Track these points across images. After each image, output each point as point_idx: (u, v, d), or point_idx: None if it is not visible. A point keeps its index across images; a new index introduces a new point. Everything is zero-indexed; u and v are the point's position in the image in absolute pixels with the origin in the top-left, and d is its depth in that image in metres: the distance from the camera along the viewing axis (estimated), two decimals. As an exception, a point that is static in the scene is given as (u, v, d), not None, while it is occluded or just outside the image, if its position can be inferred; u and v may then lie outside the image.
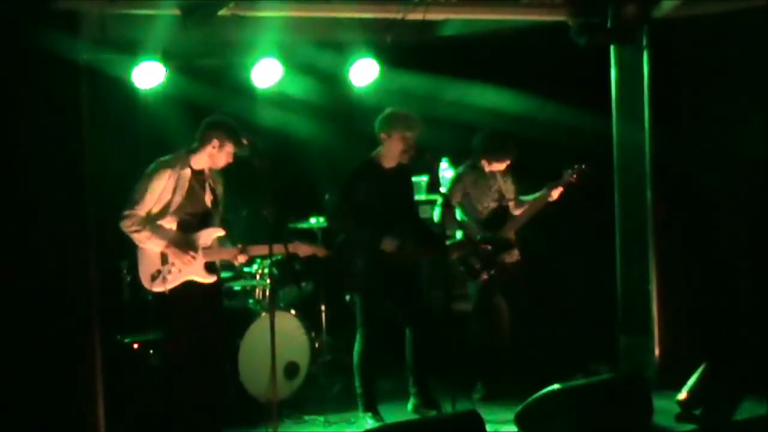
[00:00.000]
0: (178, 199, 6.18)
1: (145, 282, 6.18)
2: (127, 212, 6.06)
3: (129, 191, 6.14)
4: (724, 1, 7.24)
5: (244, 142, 6.27)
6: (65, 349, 6.04)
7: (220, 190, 6.42)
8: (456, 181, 7.41)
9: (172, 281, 6.18)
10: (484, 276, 7.26)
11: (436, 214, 7.23)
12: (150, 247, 6.14)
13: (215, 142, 6.22)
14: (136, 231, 6.06)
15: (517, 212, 7.42)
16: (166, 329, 6.34)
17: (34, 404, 5.94)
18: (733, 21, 7.22)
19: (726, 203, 7.67)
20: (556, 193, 7.33)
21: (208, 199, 6.33)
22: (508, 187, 7.45)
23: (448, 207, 7.02)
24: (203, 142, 6.24)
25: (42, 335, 5.96)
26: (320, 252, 6.50)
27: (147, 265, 6.17)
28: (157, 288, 6.16)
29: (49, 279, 6.00)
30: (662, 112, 7.57)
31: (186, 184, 6.20)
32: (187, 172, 6.21)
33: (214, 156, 6.25)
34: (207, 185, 6.33)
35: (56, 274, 6.02)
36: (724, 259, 7.68)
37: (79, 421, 6.08)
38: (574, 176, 7.28)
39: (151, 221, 6.12)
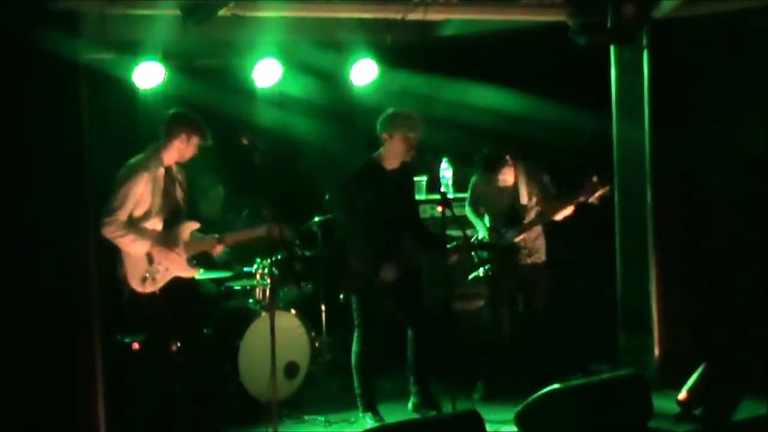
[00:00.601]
0: (157, 199, 6.24)
1: (135, 285, 6.20)
2: (107, 219, 6.08)
3: (107, 198, 6.15)
4: (724, 1, 7.23)
5: (208, 133, 6.33)
6: (65, 349, 6.05)
7: (185, 183, 6.47)
8: (470, 188, 7.60)
9: (161, 280, 6.24)
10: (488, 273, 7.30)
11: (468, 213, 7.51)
12: (136, 249, 6.17)
13: (183, 137, 6.29)
14: (121, 236, 6.09)
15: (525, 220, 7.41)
16: (159, 329, 6.36)
17: (35, 404, 5.94)
18: (733, 21, 7.22)
19: (726, 203, 7.66)
20: (566, 210, 7.25)
21: (179, 194, 6.40)
22: (531, 194, 7.37)
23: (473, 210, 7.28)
24: (171, 137, 6.29)
25: (42, 335, 5.96)
26: (288, 234, 6.52)
27: (134, 268, 6.20)
28: (149, 289, 6.20)
29: (50, 279, 6.00)
30: (662, 112, 7.57)
31: (161, 184, 6.26)
32: (161, 171, 6.27)
33: (182, 150, 6.31)
34: (176, 180, 6.39)
35: (56, 274, 6.02)
36: (724, 259, 7.67)
37: (79, 421, 6.08)
38: (592, 196, 7.16)
39: (133, 224, 6.15)
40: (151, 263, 6.20)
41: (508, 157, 7.29)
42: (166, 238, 6.26)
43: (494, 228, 7.36)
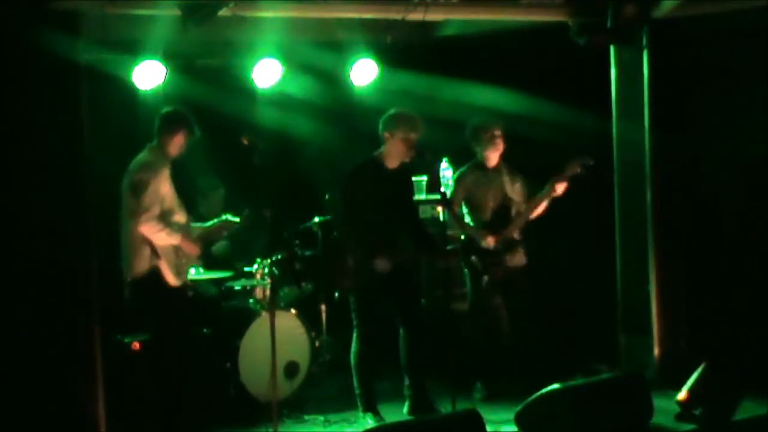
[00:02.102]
0: (173, 192, 6.34)
1: (172, 279, 6.28)
2: (146, 215, 6.16)
3: (129, 197, 6.19)
4: (724, 1, 7.23)
5: (196, 127, 6.42)
6: (65, 349, 6.05)
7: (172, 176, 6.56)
8: (457, 180, 7.43)
9: (186, 271, 6.43)
10: (485, 277, 7.25)
11: (442, 215, 7.27)
12: (169, 242, 6.26)
13: (183, 132, 6.38)
14: (158, 230, 6.19)
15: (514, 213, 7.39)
16: (185, 320, 6.42)
17: (35, 404, 5.94)
18: (733, 21, 7.22)
19: (726, 203, 7.67)
20: (560, 188, 7.21)
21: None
22: (516, 189, 7.39)
23: (450, 207, 7.02)
24: (173, 134, 6.38)
25: (42, 335, 5.96)
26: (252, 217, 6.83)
27: (169, 263, 6.27)
28: (184, 280, 6.34)
29: (50, 279, 6.00)
30: (662, 112, 7.57)
31: (169, 177, 6.37)
32: (168, 165, 6.36)
33: (181, 146, 6.40)
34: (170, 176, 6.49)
35: (56, 274, 6.02)
36: (724, 259, 7.67)
37: (79, 421, 6.09)
38: (577, 168, 7.18)
39: (164, 219, 6.24)
40: (178, 256, 6.30)
41: (499, 130, 7.27)
42: (186, 230, 6.40)
43: (489, 229, 7.31)
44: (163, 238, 6.21)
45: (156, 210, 6.18)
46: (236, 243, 7.94)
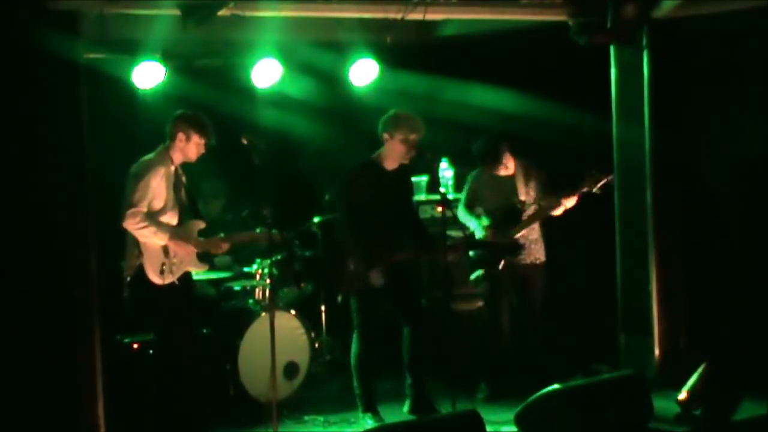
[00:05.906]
0: (171, 194, 6.30)
1: (154, 276, 6.22)
2: (131, 210, 6.11)
3: (126, 193, 6.17)
4: (724, 1, 7.24)
5: (209, 131, 6.37)
6: (65, 349, 6.05)
7: (186, 183, 6.53)
8: (466, 184, 7.53)
9: (176, 272, 6.30)
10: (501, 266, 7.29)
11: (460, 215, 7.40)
12: (155, 241, 6.21)
13: (181, 135, 6.33)
14: (144, 227, 6.13)
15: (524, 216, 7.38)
16: (176, 320, 6.38)
17: (35, 404, 5.94)
18: (733, 21, 7.22)
19: (726, 203, 7.67)
20: (569, 202, 7.21)
21: (183, 194, 6.46)
22: (529, 190, 7.37)
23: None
24: (172, 137, 6.35)
25: (42, 335, 5.96)
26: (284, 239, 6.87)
27: (152, 260, 6.23)
28: (168, 280, 6.25)
29: (50, 279, 6.00)
30: (662, 112, 7.58)
31: (173, 180, 6.33)
32: (172, 168, 6.34)
33: (184, 149, 6.36)
34: (182, 180, 6.45)
35: (56, 275, 6.02)
36: (724, 259, 7.67)
37: (79, 421, 6.09)
38: (595, 186, 7.15)
39: (152, 217, 6.18)
40: (167, 256, 6.24)
41: (505, 147, 7.28)
42: (180, 233, 6.34)
43: (493, 225, 7.32)
44: (146, 235, 6.16)
45: (143, 207, 6.13)
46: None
